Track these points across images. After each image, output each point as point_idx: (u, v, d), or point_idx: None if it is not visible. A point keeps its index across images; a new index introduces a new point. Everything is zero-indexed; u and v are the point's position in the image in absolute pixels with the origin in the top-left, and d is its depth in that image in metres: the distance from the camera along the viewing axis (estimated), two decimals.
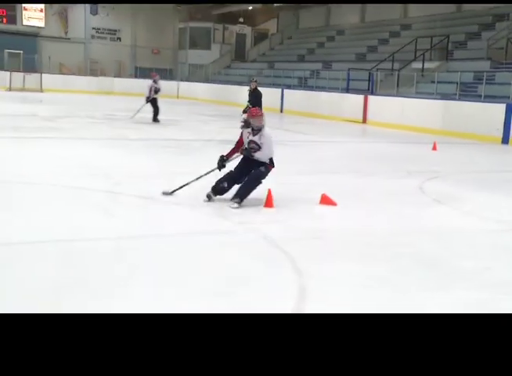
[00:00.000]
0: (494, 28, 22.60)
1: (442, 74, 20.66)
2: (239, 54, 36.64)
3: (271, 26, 37.42)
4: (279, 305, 4.12)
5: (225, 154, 7.11)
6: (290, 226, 6.52)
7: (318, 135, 17.51)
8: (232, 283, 4.61)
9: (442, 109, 18.36)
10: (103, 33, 36.87)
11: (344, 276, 4.90)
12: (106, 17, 36.26)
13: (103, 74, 34.25)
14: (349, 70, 24.27)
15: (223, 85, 32.07)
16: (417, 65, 21.70)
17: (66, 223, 5.98)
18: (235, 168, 6.96)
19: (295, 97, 25.66)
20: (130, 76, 35.28)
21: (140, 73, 34.13)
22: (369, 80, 22.40)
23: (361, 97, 21.60)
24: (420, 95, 20.13)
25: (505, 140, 15.92)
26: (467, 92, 18.80)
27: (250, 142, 6.90)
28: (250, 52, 36.92)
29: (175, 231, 6.07)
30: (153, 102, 16.75)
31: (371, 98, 21.28)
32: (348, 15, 32.50)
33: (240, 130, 7.26)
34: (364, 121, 21.30)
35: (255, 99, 14.75)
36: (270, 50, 35.87)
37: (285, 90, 26.55)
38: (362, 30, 31.13)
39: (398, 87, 21.38)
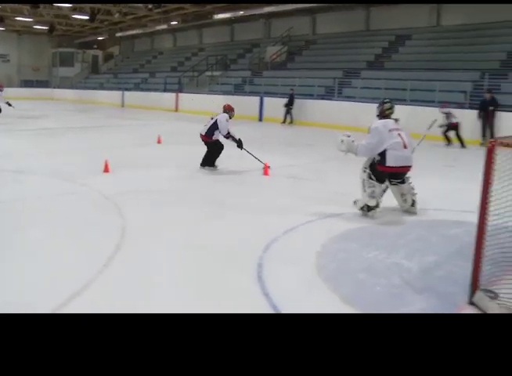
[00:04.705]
0: (252, 51, 28.33)
1: (223, 78, 26.52)
2: (95, 69, 41.17)
3: (115, 49, 42.45)
4: (107, 240, 4.88)
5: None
6: (120, 186, 7.34)
7: (147, 120, 20.65)
8: (79, 226, 5.35)
9: (222, 100, 21.22)
10: None
11: (158, 217, 5.81)
12: None
13: None
14: (166, 77, 29.33)
15: (84, 90, 35.84)
16: (208, 73, 27.57)
17: None
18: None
19: (133, 97, 29.75)
20: (17, 86, 39.11)
21: (25, 84, 39.33)
22: (179, 83, 27.78)
23: (174, 94, 27.03)
24: (211, 92, 25.41)
25: (260, 118, 21.60)
26: (239, 90, 24.29)
27: None
28: (102, 68, 41.29)
29: (42, 193, 6.88)
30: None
31: (180, 95, 26.84)
32: (165, 41, 36.97)
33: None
34: (176, 109, 26.54)
35: None
36: (115, 66, 40.36)
37: (125, 92, 30.64)
38: (175, 52, 35.41)
39: (198, 87, 27.24)
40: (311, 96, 20.39)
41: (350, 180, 7.88)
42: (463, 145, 13.74)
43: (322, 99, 20.01)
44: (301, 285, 4.05)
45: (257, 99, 21.96)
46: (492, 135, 13.39)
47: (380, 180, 6.14)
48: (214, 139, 9.13)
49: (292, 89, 20.07)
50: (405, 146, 6.03)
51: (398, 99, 16.17)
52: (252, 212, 6.30)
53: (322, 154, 9.23)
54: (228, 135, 9.12)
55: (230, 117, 9.15)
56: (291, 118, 20.05)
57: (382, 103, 6.41)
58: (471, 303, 3.74)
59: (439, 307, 3.72)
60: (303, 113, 19.93)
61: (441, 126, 13.53)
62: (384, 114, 6.29)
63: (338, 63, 22.07)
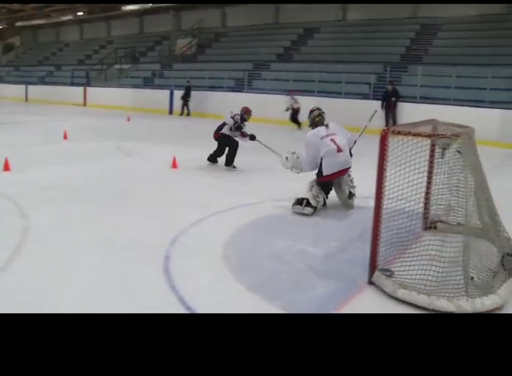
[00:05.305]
0: (162, 44, 27.65)
1: (132, 72, 26.04)
2: None
3: (16, 40, 39.85)
4: (7, 242, 4.63)
5: None
6: (22, 185, 7.01)
7: (53, 115, 19.40)
8: None
9: (132, 94, 23.31)
10: None
11: (63, 215, 5.60)
12: None
13: None
14: (73, 70, 28.42)
15: None
16: (117, 67, 26.74)
17: None
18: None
19: (38, 91, 28.24)
20: None
21: None
22: (86, 77, 26.91)
23: (81, 88, 25.99)
24: (120, 86, 24.88)
25: (170, 112, 21.54)
26: (148, 83, 24.28)
27: None
28: (1, 59, 38.32)
29: None
30: None
31: (88, 89, 25.94)
32: (72, 33, 35.42)
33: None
34: (84, 104, 25.55)
35: None
36: (16, 58, 37.94)
37: (29, 86, 29.04)
38: (82, 44, 33.96)
39: (106, 81, 26.45)
40: (221, 89, 20.53)
41: (261, 173, 8.06)
42: (299, 127, 15.18)
43: (233, 91, 20.12)
44: (208, 276, 4.09)
45: (167, 92, 21.87)
46: (394, 124, 14.06)
47: (326, 192, 6.20)
48: (220, 133, 8.95)
49: (188, 81, 20.58)
50: (339, 150, 6.06)
51: (306, 90, 16.75)
52: (159, 206, 6.24)
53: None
54: (240, 131, 8.88)
55: (246, 120, 9.00)
56: (188, 110, 20.59)
57: (310, 112, 6.45)
58: (371, 282, 3.94)
59: (341, 288, 3.89)
60: (209, 105, 20.00)
61: (287, 109, 15.61)
62: (314, 122, 6.36)
63: (248, 56, 22.26)
